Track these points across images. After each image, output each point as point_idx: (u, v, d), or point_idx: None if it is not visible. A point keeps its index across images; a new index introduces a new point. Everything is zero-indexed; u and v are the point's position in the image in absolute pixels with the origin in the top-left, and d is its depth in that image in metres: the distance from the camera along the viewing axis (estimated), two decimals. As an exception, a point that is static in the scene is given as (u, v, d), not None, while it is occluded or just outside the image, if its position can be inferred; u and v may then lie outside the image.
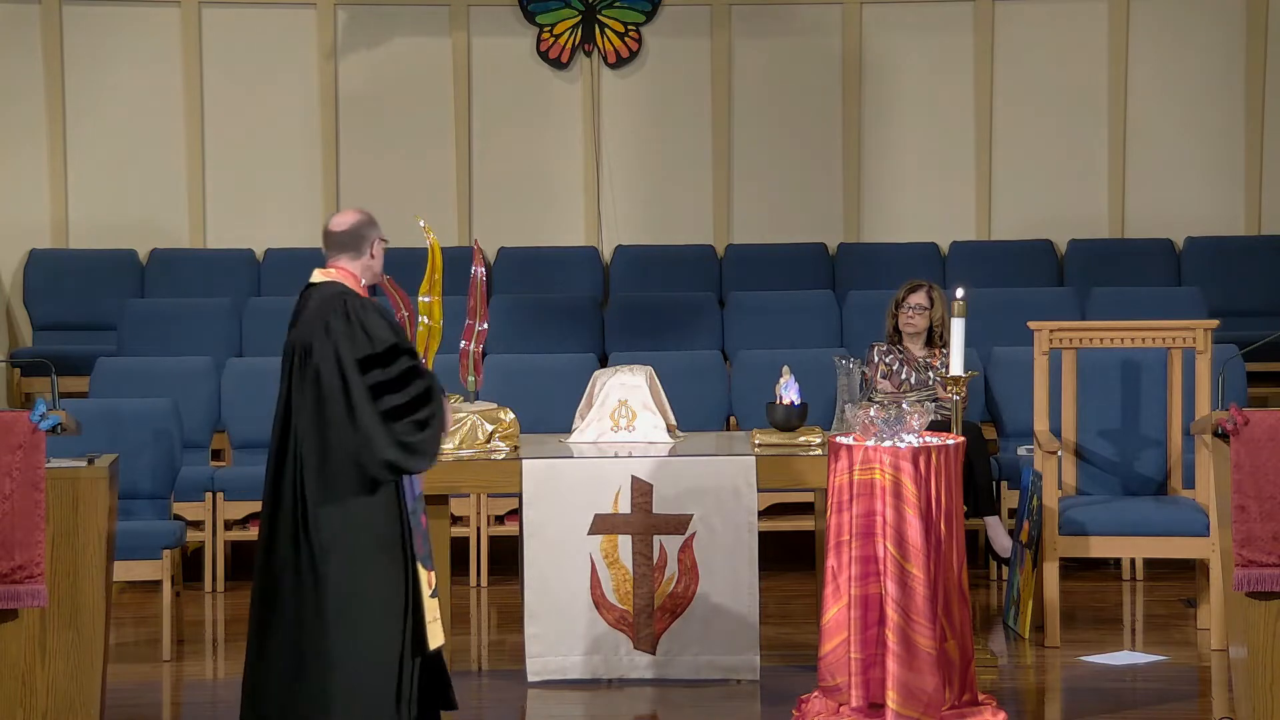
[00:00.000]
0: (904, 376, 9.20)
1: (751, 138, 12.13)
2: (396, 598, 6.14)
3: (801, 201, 12.16)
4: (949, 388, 7.59)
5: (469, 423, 7.73)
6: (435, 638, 6.23)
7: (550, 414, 9.01)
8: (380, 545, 6.13)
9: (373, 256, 6.28)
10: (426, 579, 6.20)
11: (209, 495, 9.37)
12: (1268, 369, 11.06)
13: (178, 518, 8.86)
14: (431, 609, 6.21)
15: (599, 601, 7.61)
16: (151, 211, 11.95)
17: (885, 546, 6.70)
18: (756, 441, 7.92)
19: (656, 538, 7.61)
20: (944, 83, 12.10)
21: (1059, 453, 8.43)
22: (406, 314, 7.54)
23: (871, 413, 6.85)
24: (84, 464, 6.81)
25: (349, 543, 6.11)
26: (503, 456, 7.73)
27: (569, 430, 8.19)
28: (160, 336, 10.77)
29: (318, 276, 6.25)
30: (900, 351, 9.27)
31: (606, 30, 12.07)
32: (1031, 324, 8.51)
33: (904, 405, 7.36)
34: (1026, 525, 8.42)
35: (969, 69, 12.09)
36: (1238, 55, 12.02)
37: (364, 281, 6.28)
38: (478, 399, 8.01)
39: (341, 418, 6.02)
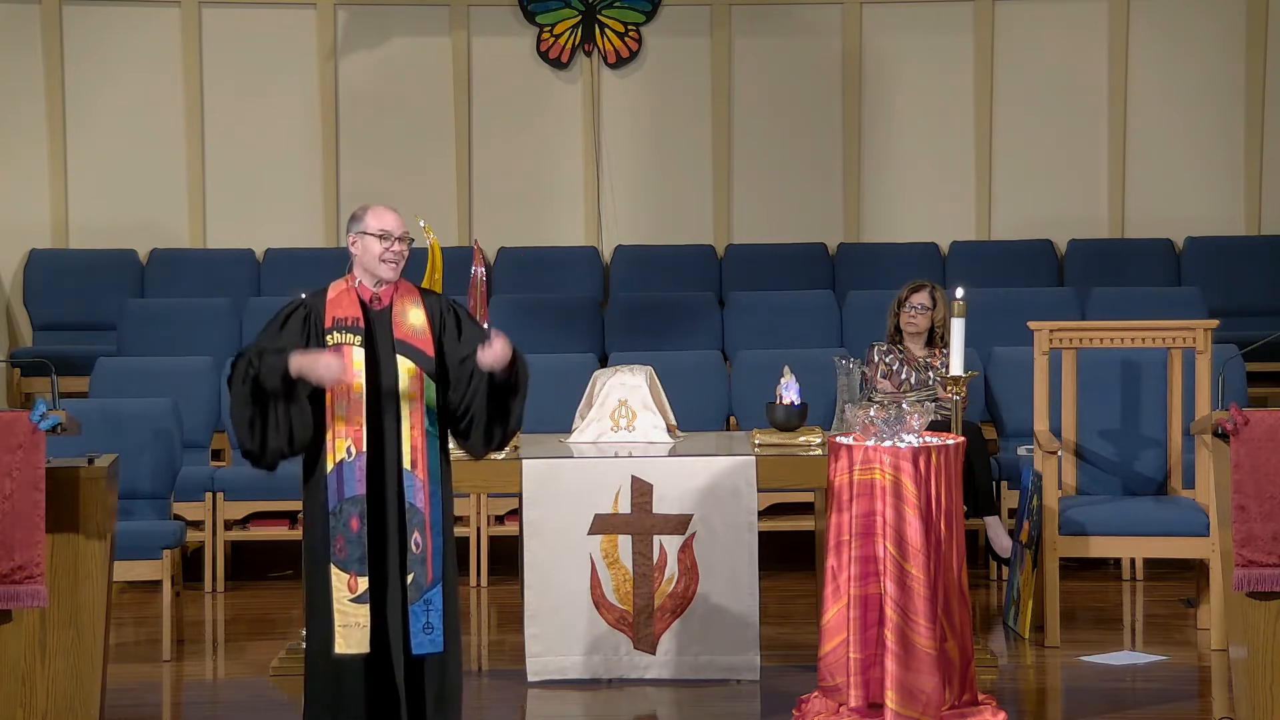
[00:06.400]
0: (904, 376, 9.20)
1: (751, 138, 12.13)
2: (317, 599, 6.19)
3: (801, 201, 12.16)
4: (949, 388, 7.59)
5: (469, 423, 7.72)
6: (348, 644, 6.13)
7: (550, 414, 9.00)
8: (311, 543, 6.22)
9: (354, 253, 6.30)
10: (347, 583, 6.13)
11: (209, 495, 9.37)
12: (1268, 369, 11.06)
13: (178, 518, 8.86)
14: (352, 614, 6.13)
15: (599, 601, 7.61)
16: (151, 211, 11.96)
17: (885, 546, 6.70)
18: (756, 441, 7.92)
19: (656, 538, 7.61)
20: (944, 83, 12.10)
21: (1059, 453, 8.43)
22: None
23: (871, 413, 6.85)
24: (84, 464, 6.81)
25: (304, 539, 6.27)
26: (502, 456, 7.72)
27: (569, 430, 8.19)
28: (160, 336, 10.79)
29: None
30: (900, 351, 9.27)
31: (606, 30, 12.07)
32: (1031, 324, 8.51)
33: (904, 405, 7.35)
34: (1026, 525, 8.42)
35: (969, 69, 12.09)
36: (1238, 56, 12.02)
37: (364, 278, 6.27)
38: (478, 399, 8.00)
39: None
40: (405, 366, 6.20)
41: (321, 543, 6.17)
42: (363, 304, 6.25)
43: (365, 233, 6.24)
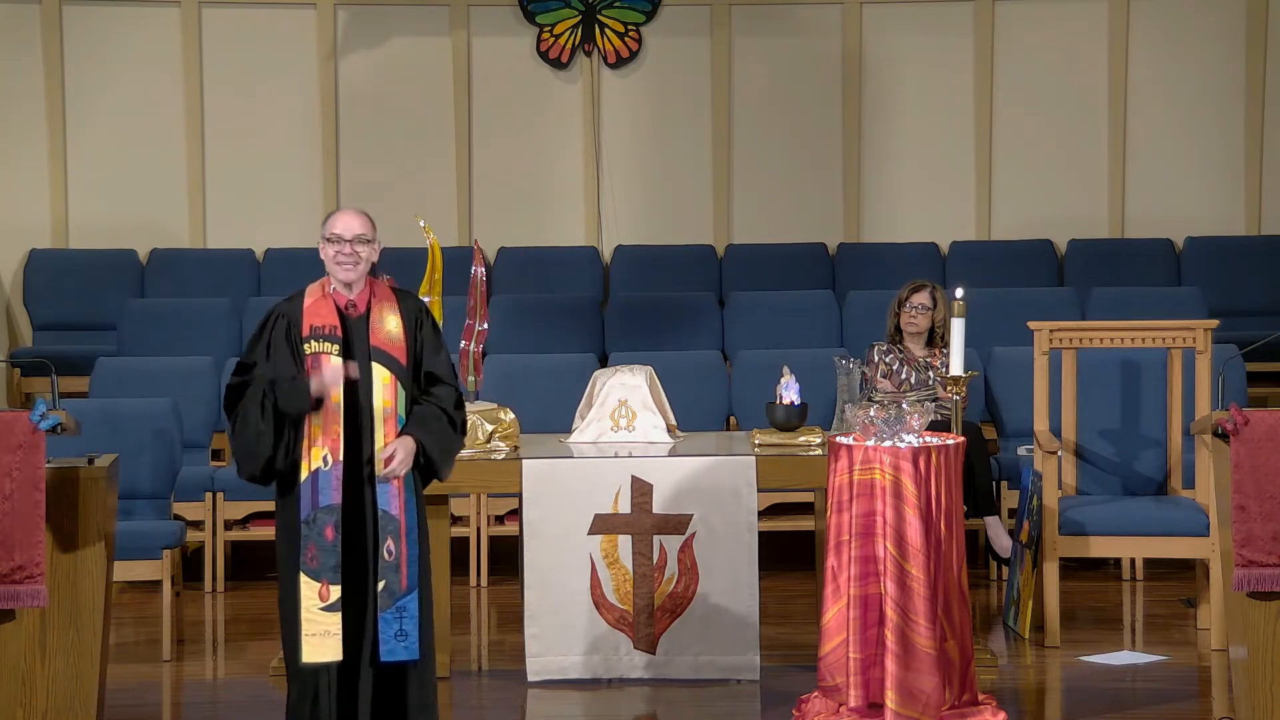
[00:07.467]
0: (904, 376, 9.20)
1: (751, 137, 12.13)
2: (289, 609, 6.17)
3: (801, 201, 12.16)
4: (949, 388, 7.59)
5: (469, 423, 7.72)
6: (317, 653, 6.10)
7: (550, 414, 9.01)
8: (285, 551, 6.19)
9: (322, 259, 6.29)
10: (318, 591, 6.10)
11: (209, 495, 9.37)
12: (1268, 369, 11.06)
13: (178, 518, 8.86)
14: (322, 623, 6.09)
15: (599, 601, 7.61)
16: (151, 211, 11.96)
17: (885, 546, 6.70)
18: (756, 441, 7.92)
19: (656, 538, 7.61)
20: (944, 83, 12.10)
21: (1059, 453, 8.43)
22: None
23: (871, 413, 6.85)
24: (84, 464, 6.81)
25: (277, 548, 6.23)
26: (503, 456, 7.73)
27: (569, 430, 8.19)
28: (160, 336, 10.79)
29: None
30: (900, 351, 9.27)
31: (606, 30, 12.07)
32: (1031, 324, 8.52)
33: (904, 405, 7.35)
34: (1026, 525, 8.42)
35: (969, 69, 12.09)
36: (1238, 56, 12.02)
37: (336, 283, 6.24)
38: (478, 399, 8.01)
39: None
40: (380, 375, 6.18)
41: (295, 551, 6.15)
42: (339, 311, 6.22)
43: (324, 237, 6.24)
